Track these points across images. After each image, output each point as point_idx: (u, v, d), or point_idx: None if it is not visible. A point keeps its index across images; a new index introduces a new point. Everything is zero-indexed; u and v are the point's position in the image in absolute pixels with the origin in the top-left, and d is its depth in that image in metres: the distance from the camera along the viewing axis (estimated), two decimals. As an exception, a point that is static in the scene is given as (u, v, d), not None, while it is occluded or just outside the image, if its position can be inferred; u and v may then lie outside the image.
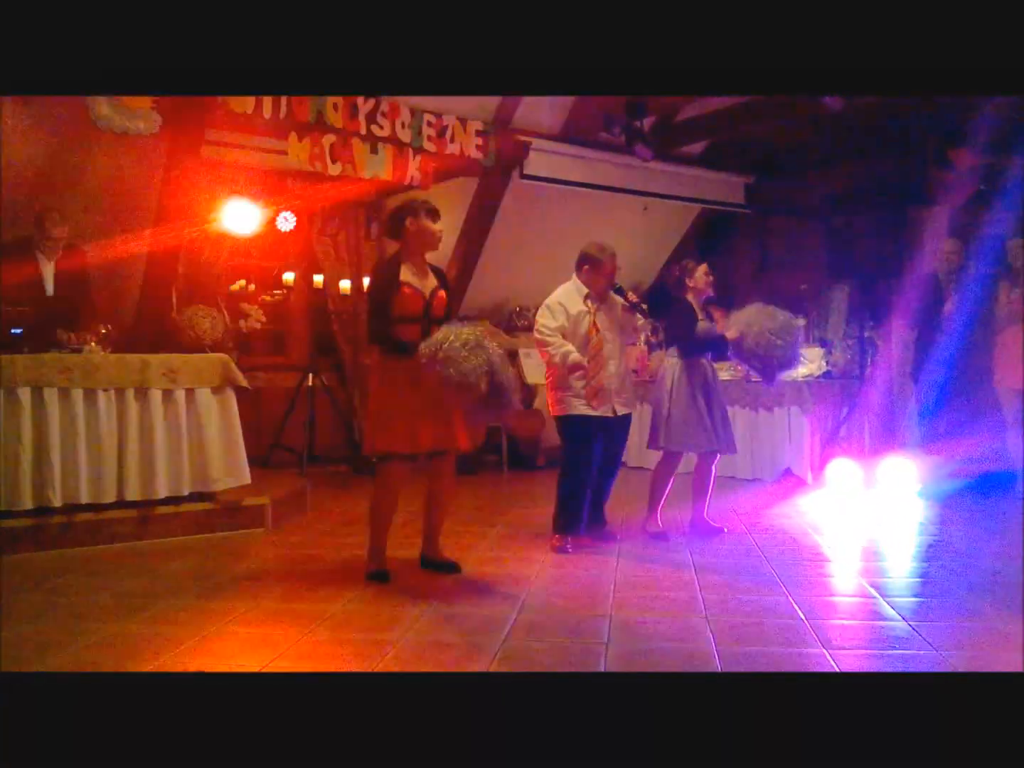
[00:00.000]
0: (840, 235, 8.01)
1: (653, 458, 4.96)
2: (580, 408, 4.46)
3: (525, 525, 5.17)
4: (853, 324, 7.37)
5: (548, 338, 4.43)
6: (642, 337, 7.92)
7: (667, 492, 4.86)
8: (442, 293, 3.92)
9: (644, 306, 4.61)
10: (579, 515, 4.55)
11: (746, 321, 4.63)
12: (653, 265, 9.34)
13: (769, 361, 4.60)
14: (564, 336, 4.44)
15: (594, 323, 4.50)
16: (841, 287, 7.87)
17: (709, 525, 4.90)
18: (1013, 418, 5.85)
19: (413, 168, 6.70)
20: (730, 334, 4.64)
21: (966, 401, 6.10)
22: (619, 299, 4.60)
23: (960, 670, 2.66)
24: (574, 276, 4.60)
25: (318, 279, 7.63)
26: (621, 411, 4.56)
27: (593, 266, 4.53)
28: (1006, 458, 5.86)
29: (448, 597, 3.64)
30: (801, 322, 4.63)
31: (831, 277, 8.02)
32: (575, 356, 4.33)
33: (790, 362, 4.70)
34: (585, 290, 4.52)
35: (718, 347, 4.78)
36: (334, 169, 6.39)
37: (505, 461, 7.73)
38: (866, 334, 6.98)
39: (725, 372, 7.19)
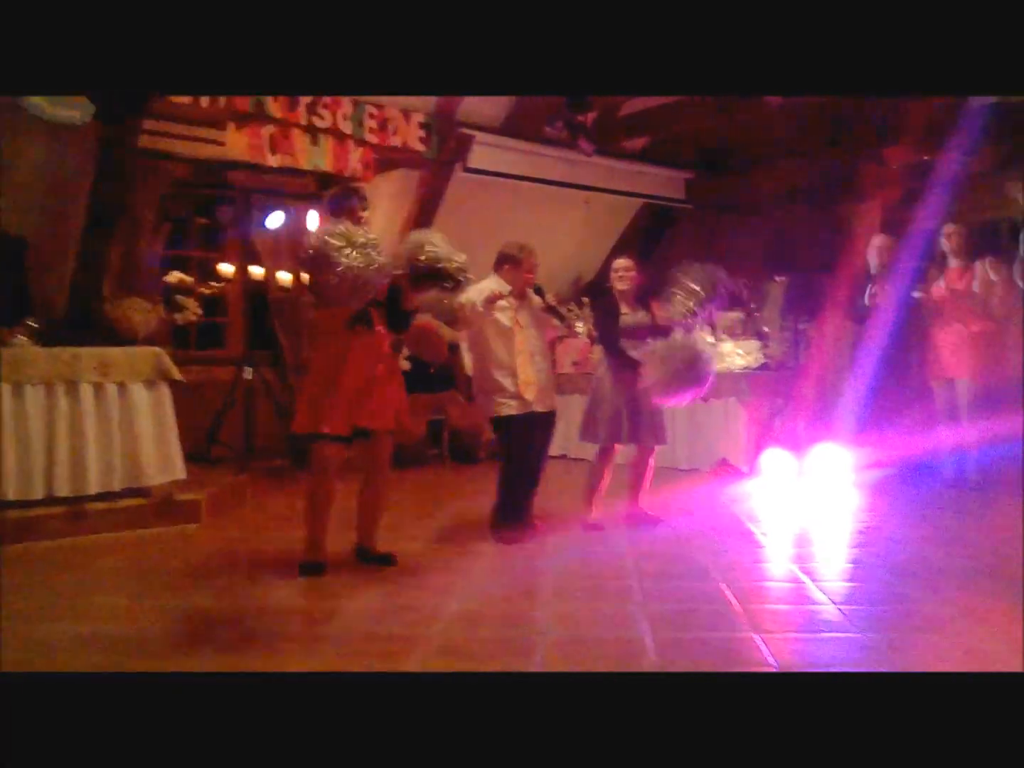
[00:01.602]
0: (777, 230, 8.16)
1: (593, 450, 5.01)
2: (508, 410, 4.50)
3: (465, 517, 5.18)
4: (789, 317, 7.51)
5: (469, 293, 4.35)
6: (583, 330, 7.98)
7: (604, 483, 4.92)
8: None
9: (560, 310, 4.66)
10: (521, 509, 4.58)
11: (660, 357, 4.46)
12: (595, 259, 9.39)
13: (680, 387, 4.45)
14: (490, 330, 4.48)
15: (516, 320, 4.55)
16: (778, 281, 8.01)
17: (646, 515, 4.97)
18: (943, 408, 6.03)
19: (354, 160, 6.65)
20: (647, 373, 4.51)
21: (897, 392, 6.26)
22: (537, 299, 4.64)
23: (884, 651, 2.74)
24: (493, 275, 4.62)
25: (256, 271, 7.51)
26: (544, 408, 4.63)
27: (513, 265, 4.57)
28: (934, 447, 6.03)
29: (385, 590, 3.63)
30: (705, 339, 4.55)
31: (768, 271, 8.16)
32: (490, 293, 4.35)
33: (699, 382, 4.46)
34: (507, 288, 4.55)
35: (625, 364, 4.69)
36: (273, 160, 6.31)
37: (446, 454, 7.72)
38: (801, 327, 7.13)
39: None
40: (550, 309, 4.66)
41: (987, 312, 5.79)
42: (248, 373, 7.11)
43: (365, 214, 3.95)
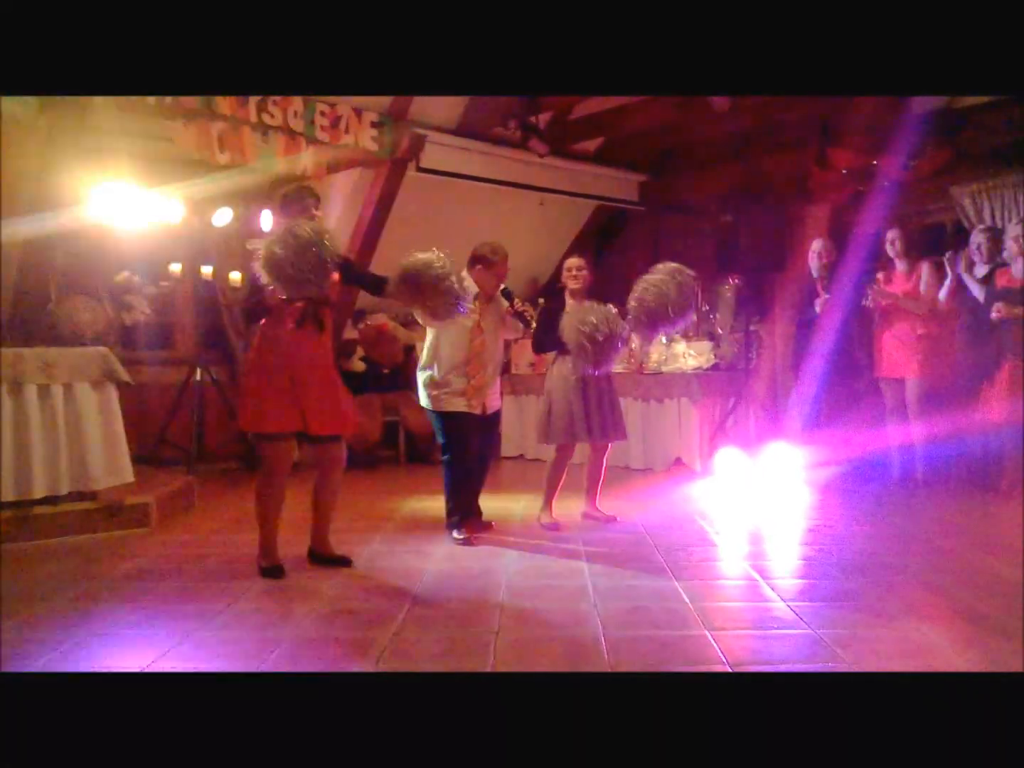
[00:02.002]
0: (728, 232, 8.25)
1: (550, 451, 5.02)
2: (457, 405, 4.50)
3: (421, 519, 5.16)
4: (740, 318, 7.61)
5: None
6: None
7: (560, 484, 4.93)
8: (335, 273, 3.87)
9: (528, 315, 4.59)
10: (470, 506, 4.59)
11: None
12: (550, 260, 9.42)
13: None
14: (449, 329, 4.43)
15: (479, 324, 4.54)
16: (729, 282, 8.11)
17: (601, 514, 5.00)
18: (891, 407, 6.15)
19: (306, 155, 6.57)
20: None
21: (845, 391, 6.37)
22: (505, 302, 4.63)
23: (832, 648, 2.78)
24: (465, 274, 4.59)
25: (207, 270, 7.40)
26: (490, 409, 4.65)
27: (486, 267, 4.57)
28: (882, 445, 6.16)
29: (339, 592, 3.60)
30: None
31: (720, 273, 8.25)
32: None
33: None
34: (475, 289, 4.53)
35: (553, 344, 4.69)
36: (222, 157, 6.19)
37: (402, 456, 7.69)
38: (751, 327, 7.22)
39: (618, 365, 7.33)
40: (518, 315, 4.59)
41: (933, 313, 5.91)
42: (199, 374, 7.01)
43: (318, 212, 3.91)
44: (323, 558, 4.00)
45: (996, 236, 5.93)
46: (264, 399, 3.73)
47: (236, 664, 2.75)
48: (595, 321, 4.29)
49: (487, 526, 4.75)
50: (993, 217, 6.82)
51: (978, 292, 5.70)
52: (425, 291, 3.69)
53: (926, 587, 3.52)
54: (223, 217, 6.82)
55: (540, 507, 4.94)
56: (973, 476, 5.72)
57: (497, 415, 4.80)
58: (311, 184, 4.60)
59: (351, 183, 7.41)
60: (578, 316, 4.38)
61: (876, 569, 3.81)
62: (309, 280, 3.44)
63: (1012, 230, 5.69)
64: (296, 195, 3.93)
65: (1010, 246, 5.61)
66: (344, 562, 3.98)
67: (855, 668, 2.59)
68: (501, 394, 4.91)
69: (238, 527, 4.87)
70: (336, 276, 3.81)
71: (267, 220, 6.20)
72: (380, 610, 3.30)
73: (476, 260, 4.58)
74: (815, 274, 6.42)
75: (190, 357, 7.30)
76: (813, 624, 3.02)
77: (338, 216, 7.19)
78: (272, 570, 3.80)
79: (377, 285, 4.00)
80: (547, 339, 4.68)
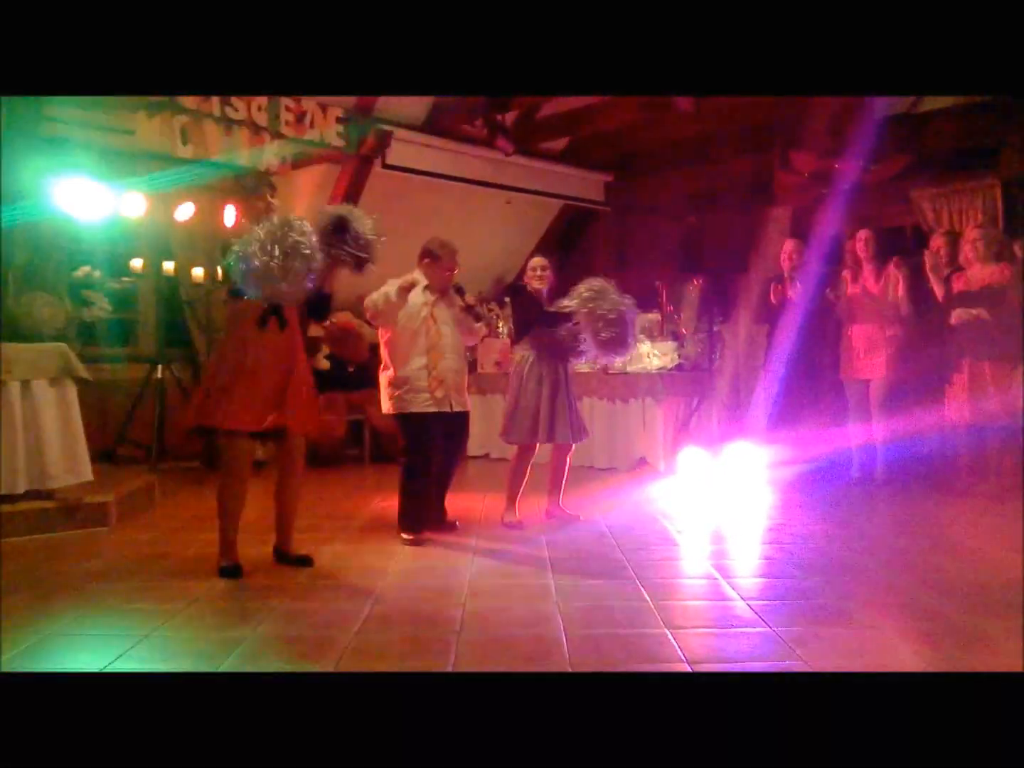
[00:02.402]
0: (693, 232, 8.33)
1: (514, 450, 5.03)
2: (418, 405, 4.49)
3: (385, 518, 5.13)
4: (704, 318, 7.67)
5: (374, 296, 4.43)
6: (504, 330, 8.01)
7: (523, 483, 4.94)
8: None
9: (479, 310, 4.67)
10: (423, 513, 4.57)
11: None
12: (517, 259, 9.40)
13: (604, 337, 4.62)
14: (398, 309, 4.44)
15: (432, 315, 4.54)
16: (694, 283, 8.18)
17: (564, 513, 5.02)
18: (853, 407, 6.23)
19: (269, 153, 6.52)
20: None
21: (808, 391, 6.45)
22: (458, 299, 4.65)
23: (790, 645, 2.82)
24: (417, 269, 4.63)
25: (168, 266, 7.31)
26: (457, 407, 4.63)
27: (432, 260, 4.58)
28: (843, 445, 6.24)
29: (301, 592, 3.58)
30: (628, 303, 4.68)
31: (685, 273, 8.32)
32: (394, 288, 4.35)
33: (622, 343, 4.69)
34: (424, 281, 4.56)
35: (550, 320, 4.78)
36: (184, 151, 6.13)
37: (368, 454, 7.65)
38: (715, 328, 7.29)
39: (584, 365, 7.36)
40: (468, 309, 4.65)
41: (898, 314, 5.99)
42: (160, 371, 6.92)
43: (275, 202, 3.89)
44: (286, 558, 3.98)
45: (955, 240, 6.03)
46: (226, 397, 3.69)
47: (195, 664, 2.73)
48: (610, 305, 4.54)
49: (451, 526, 4.75)
50: (952, 221, 6.96)
51: (940, 294, 5.78)
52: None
53: (883, 587, 3.58)
54: (185, 212, 6.74)
55: (504, 505, 4.95)
56: (931, 477, 5.81)
57: (465, 415, 4.79)
58: (268, 175, 4.57)
59: (316, 179, 7.37)
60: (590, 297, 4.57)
61: (835, 568, 3.87)
62: (289, 285, 3.44)
63: (969, 234, 5.80)
64: (253, 184, 3.93)
65: (967, 250, 5.70)
66: (306, 562, 3.96)
67: (811, 667, 2.63)
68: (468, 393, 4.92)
69: (199, 526, 4.81)
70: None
71: (230, 215, 6.14)
72: (341, 610, 3.29)
73: (424, 254, 4.62)
74: (786, 275, 6.49)
75: (152, 354, 7.21)
76: (771, 622, 3.06)
77: (302, 213, 7.13)
78: (230, 569, 3.77)
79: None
80: (529, 319, 4.81)
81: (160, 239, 7.24)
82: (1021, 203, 6.71)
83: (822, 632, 2.97)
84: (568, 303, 4.62)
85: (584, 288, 4.66)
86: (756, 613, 3.18)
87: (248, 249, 3.39)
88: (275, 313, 3.73)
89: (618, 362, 7.26)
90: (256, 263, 3.37)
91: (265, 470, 4.22)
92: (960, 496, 5.46)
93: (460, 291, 4.65)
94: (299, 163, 6.99)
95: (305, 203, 7.25)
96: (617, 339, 4.61)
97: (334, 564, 4.04)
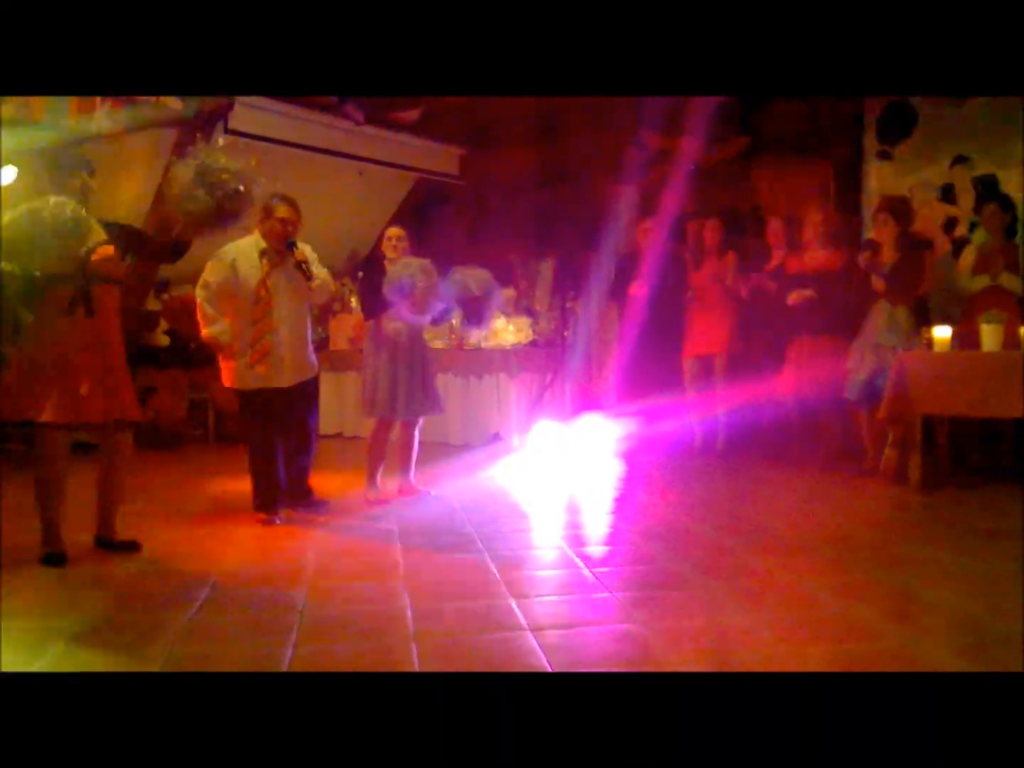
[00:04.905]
0: (546, 209, 8.40)
1: (369, 428, 4.94)
2: (250, 381, 4.32)
3: (228, 501, 4.94)
4: (557, 295, 7.76)
5: (203, 305, 4.28)
6: (356, 304, 7.86)
7: (382, 458, 4.87)
8: (108, 249, 3.62)
9: (309, 267, 4.37)
10: (276, 489, 4.42)
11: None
12: (371, 233, 9.23)
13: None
14: (230, 292, 4.28)
15: (264, 282, 4.32)
16: (547, 260, 8.26)
17: (416, 489, 4.98)
18: (695, 382, 6.45)
19: (101, 114, 6.10)
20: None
21: (655, 366, 6.63)
22: (290, 256, 4.37)
23: (629, 608, 2.89)
24: (256, 230, 4.41)
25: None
26: (293, 380, 4.43)
27: (266, 214, 4.32)
28: (686, 418, 6.46)
29: (132, 578, 3.41)
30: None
31: (538, 249, 8.39)
32: (219, 343, 4.27)
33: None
34: (263, 244, 4.34)
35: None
36: (7, 110, 5.65)
37: (211, 434, 7.36)
38: (568, 304, 7.39)
39: (439, 340, 7.33)
40: (298, 265, 4.34)
41: (738, 294, 6.23)
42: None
43: (92, 182, 3.68)
44: (110, 543, 3.77)
45: (790, 222, 6.31)
46: (40, 388, 3.47)
47: (18, 656, 2.54)
48: (412, 271, 4.46)
49: (321, 504, 4.63)
50: (788, 203, 7.28)
51: (772, 284, 6.01)
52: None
53: (716, 549, 3.73)
54: (8, 175, 6.22)
55: (364, 482, 4.86)
56: (767, 447, 6.09)
57: (306, 387, 4.58)
58: (81, 149, 4.30)
59: (151, 145, 6.95)
60: (395, 270, 4.53)
61: (674, 534, 4.00)
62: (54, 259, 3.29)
63: (812, 217, 6.01)
64: (70, 161, 3.67)
65: (807, 232, 5.93)
66: (132, 547, 3.77)
67: (647, 628, 2.70)
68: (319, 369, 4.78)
69: (20, 512, 4.49)
70: (110, 250, 3.61)
71: (9, 175, 5.61)
72: (175, 594, 3.15)
73: (259, 210, 4.29)
74: (635, 252, 6.61)
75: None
76: (612, 587, 3.13)
77: (136, 181, 6.74)
78: (54, 556, 3.55)
79: (176, 250, 3.82)
80: (373, 299, 4.70)
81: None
82: (851, 185, 7.10)
83: (658, 595, 3.06)
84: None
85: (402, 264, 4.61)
86: (597, 579, 3.25)
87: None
88: (83, 300, 3.51)
89: (472, 338, 7.29)
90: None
91: (95, 452, 3.96)
92: (793, 465, 5.75)
93: (291, 246, 4.35)
94: (133, 128, 6.57)
95: (138, 171, 6.85)
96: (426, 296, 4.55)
97: (170, 548, 3.86)
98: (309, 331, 4.61)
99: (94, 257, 3.55)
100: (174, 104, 6.44)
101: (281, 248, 4.35)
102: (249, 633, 2.76)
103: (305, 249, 4.42)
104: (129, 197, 6.92)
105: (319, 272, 4.45)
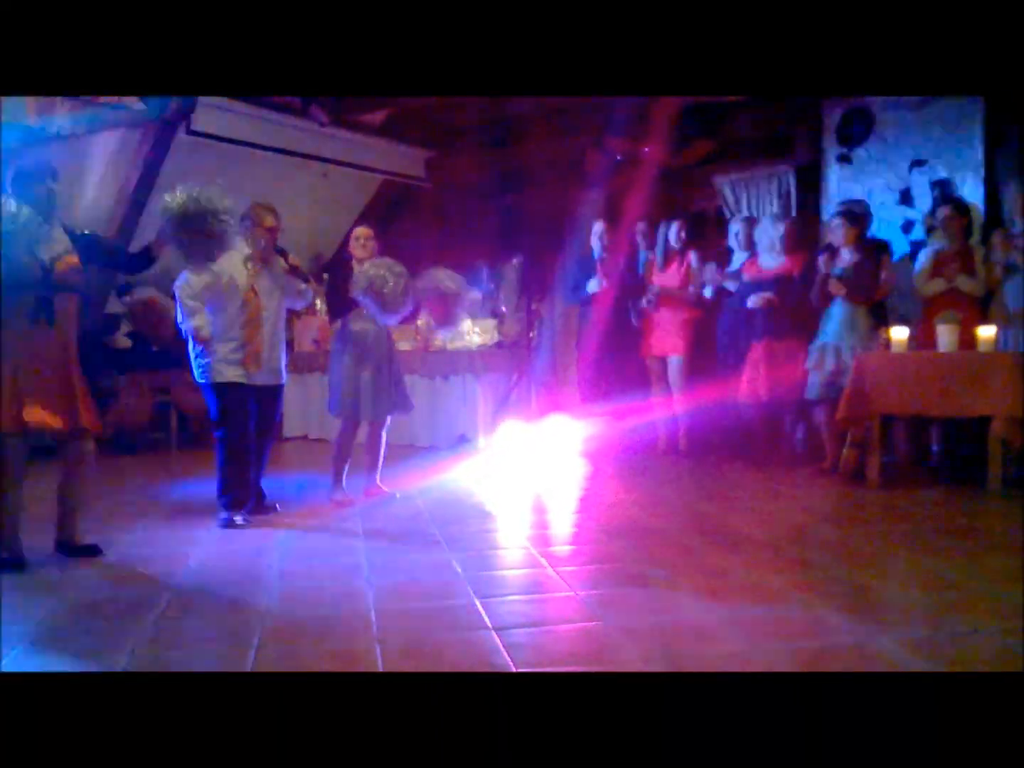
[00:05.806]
0: (512, 212, 8.42)
1: (334, 430, 4.94)
2: (231, 375, 4.32)
3: (192, 504, 4.90)
4: (523, 297, 7.79)
5: (184, 300, 4.29)
6: (321, 306, 7.82)
7: (348, 460, 4.86)
8: (73, 259, 3.58)
9: (302, 271, 4.56)
10: (245, 488, 4.41)
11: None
12: (335, 235, 9.19)
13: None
14: (217, 296, 4.28)
15: (252, 287, 4.38)
16: (513, 262, 8.28)
17: (381, 491, 4.98)
18: (656, 383, 6.50)
19: (60, 114, 6.02)
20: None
21: (618, 368, 6.68)
22: (281, 261, 4.50)
23: (595, 607, 2.92)
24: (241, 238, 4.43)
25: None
26: (270, 381, 4.50)
27: (253, 223, 4.39)
28: (649, 418, 6.51)
29: (92, 583, 3.37)
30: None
31: (504, 252, 8.40)
32: (201, 334, 4.27)
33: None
34: (247, 250, 4.38)
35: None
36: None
37: (174, 439, 7.28)
38: (533, 306, 7.42)
39: (405, 342, 7.32)
40: (293, 270, 4.52)
41: (698, 300, 6.28)
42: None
43: (56, 187, 3.63)
44: (69, 548, 3.72)
45: (752, 226, 6.38)
46: None
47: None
48: (382, 271, 4.49)
49: (271, 508, 4.61)
50: (750, 206, 7.39)
51: (733, 287, 6.07)
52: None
53: (679, 547, 3.77)
54: None
55: (331, 483, 4.86)
56: (729, 447, 6.16)
57: (277, 390, 4.62)
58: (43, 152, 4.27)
59: (113, 145, 6.88)
60: (365, 269, 4.55)
61: (637, 533, 4.03)
62: None
63: (764, 221, 6.12)
64: (32, 168, 3.60)
65: (760, 237, 6.01)
66: (93, 551, 3.72)
67: (609, 624, 2.73)
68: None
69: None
70: (76, 260, 3.57)
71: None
72: (137, 599, 3.12)
73: (245, 217, 4.38)
74: (596, 256, 6.65)
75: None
76: (576, 586, 3.16)
77: (97, 182, 6.67)
78: (11, 561, 3.49)
79: (144, 261, 3.85)
80: (340, 300, 4.75)
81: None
82: (811, 189, 7.21)
83: (620, 593, 3.10)
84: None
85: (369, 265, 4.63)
86: (562, 579, 3.27)
87: None
88: (45, 309, 3.48)
89: (438, 339, 7.29)
90: None
91: (51, 458, 3.91)
92: (755, 464, 5.82)
93: (283, 253, 4.50)
94: (95, 128, 6.50)
95: (98, 173, 6.77)
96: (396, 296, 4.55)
97: (131, 553, 3.82)
98: (284, 335, 4.67)
99: (59, 266, 3.51)
100: (137, 104, 6.38)
101: (271, 255, 4.43)
102: (212, 636, 2.75)
103: (289, 255, 4.54)
104: (90, 199, 6.85)
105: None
